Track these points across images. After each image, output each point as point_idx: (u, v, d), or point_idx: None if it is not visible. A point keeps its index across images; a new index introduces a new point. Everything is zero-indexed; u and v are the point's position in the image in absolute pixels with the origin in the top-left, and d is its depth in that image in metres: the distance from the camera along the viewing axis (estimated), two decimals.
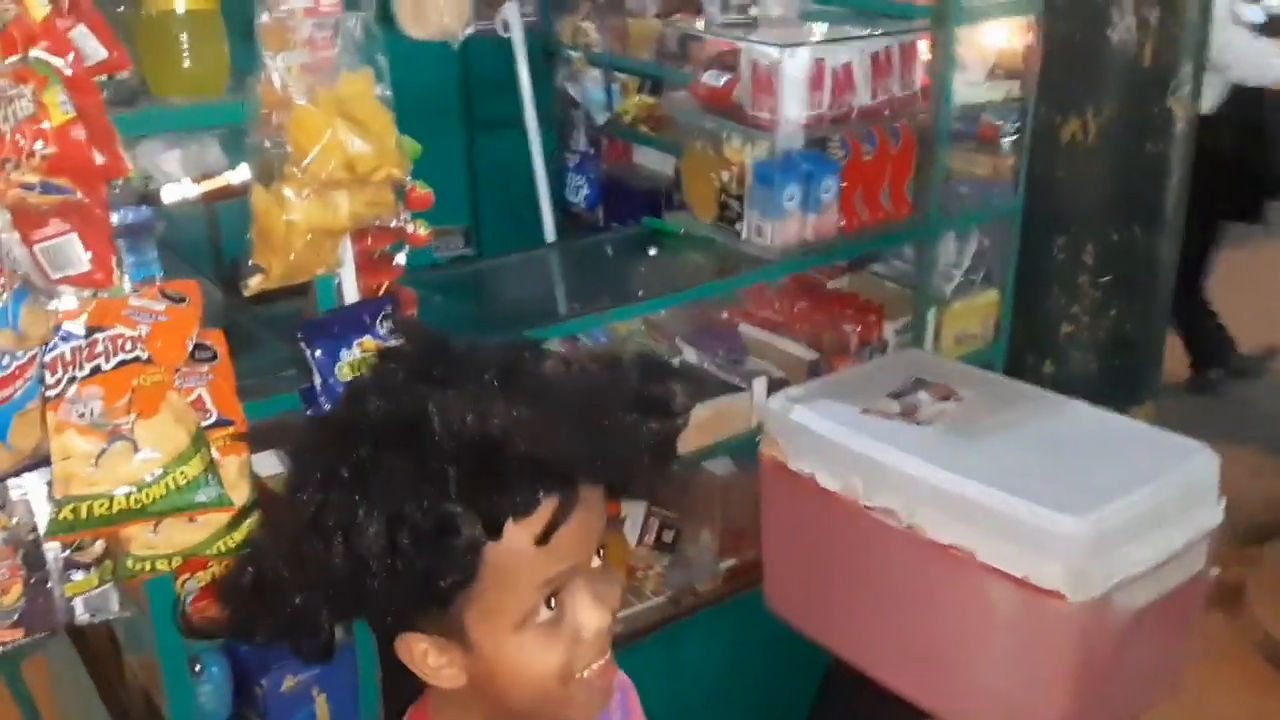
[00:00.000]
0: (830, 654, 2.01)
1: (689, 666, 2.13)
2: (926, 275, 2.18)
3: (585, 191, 2.98)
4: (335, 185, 1.31)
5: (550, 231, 2.65)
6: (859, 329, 2.19)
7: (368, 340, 1.49)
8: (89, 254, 1.18)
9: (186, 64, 1.31)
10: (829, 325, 2.21)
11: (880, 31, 1.98)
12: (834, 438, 1.83)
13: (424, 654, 0.96)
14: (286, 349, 1.51)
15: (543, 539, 0.90)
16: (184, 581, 1.46)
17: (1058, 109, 1.86)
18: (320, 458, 0.93)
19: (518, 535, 0.90)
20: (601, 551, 0.98)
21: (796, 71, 1.87)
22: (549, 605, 0.93)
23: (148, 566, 1.35)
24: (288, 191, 1.29)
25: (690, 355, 2.15)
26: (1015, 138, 2.18)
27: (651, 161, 3.05)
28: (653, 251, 2.12)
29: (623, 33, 2.98)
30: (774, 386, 2.04)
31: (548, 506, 0.90)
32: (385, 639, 0.99)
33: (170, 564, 1.36)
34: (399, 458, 0.89)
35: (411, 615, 0.95)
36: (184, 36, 1.30)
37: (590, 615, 0.94)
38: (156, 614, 1.46)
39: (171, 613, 1.47)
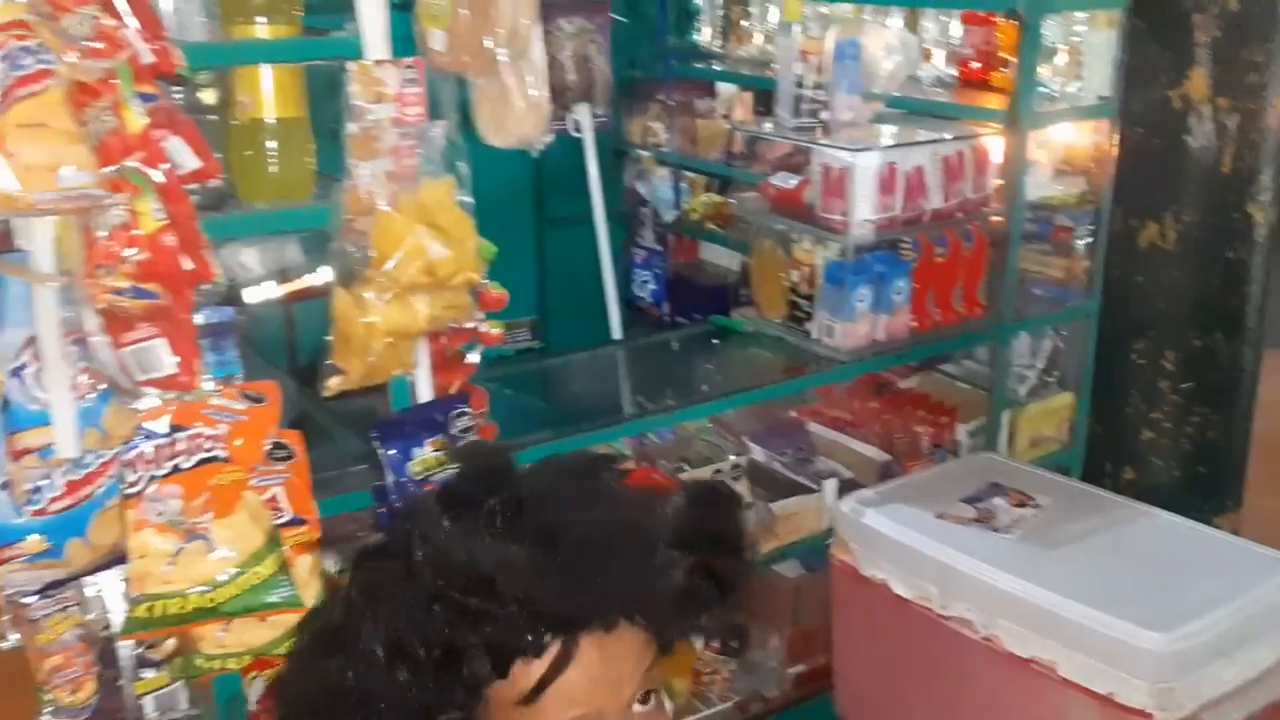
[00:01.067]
0: None
1: None
2: (1001, 376, 2.15)
3: (652, 287, 3.01)
4: (415, 289, 1.33)
5: (616, 327, 2.67)
6: (931, 430, 2.16)
7: (439, 439, 1.49)
8: (175, 357, 1.21)
9: (274, 170, 1.35)
10: (900, 426, 2.18)
11: (951, 136, 1.99)
12: (908, 543, 1.79)
13: None
14: (359, 444, 1.52)
15: (534, 691, 0.87)
16: (251, 680, 1.46)
17: (1136, 214, 1.84)
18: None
19: (522, 679, 0.87)
20: (652, 696, 0.93)
21: (868, 174, 1.88)
22: None
23: (218, 665, 1.35)
24: (369, 295, 1.31)
25: (759, 454, 2.14)
26: (1090, 240, 2.16)
27: (718, 258, 3.08)
28: (718, 346, 2.12)
29: (691, 133, 3.03)
30: (845, 488, 2.01)
31: (550, 653, 0.87)
32: None
33: (240, 662, 1.35)
34: (408, 591, 0.88)
35: None
36: (272, 144, 1.34)
37: None
38: (223, 712, 1.46)
39: (237, 711, 1.46)
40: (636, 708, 0.91)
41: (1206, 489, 1.90)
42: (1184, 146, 1.75)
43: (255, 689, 1.46)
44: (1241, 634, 1.59)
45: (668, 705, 0.97)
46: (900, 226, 1.96)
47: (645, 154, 3.01)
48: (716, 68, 3.08)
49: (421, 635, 0.87)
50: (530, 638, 0.88)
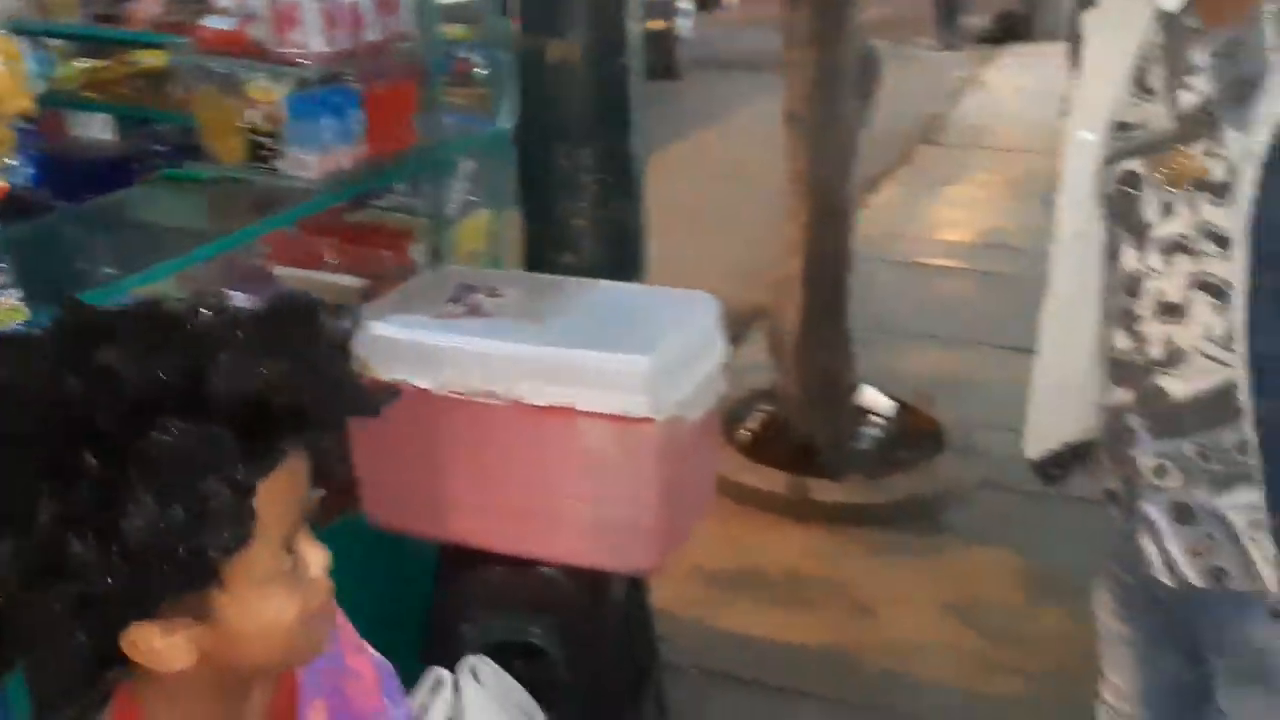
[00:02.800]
0: (440, 544, 2.19)
1: None
2: (439, 201, 2.39)
3: (28, 171, 2.73)
4: None
5: None
6: (391, 254, 2.35)
7: None
8: None
9: None
10: (363, 255, 2.34)
11: None
12: (422, 340, 1.99)
13: (149, 640, 0.91)
14: None
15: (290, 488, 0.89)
16: None
17: (542, 35, 2.16)
18: (37, 450, 0.84)
19: (273, 486, 0.89)
20: None
21: (314, 7, 1.97)
22: (288, 545, 0.94)
23: None
24: None
25: (242, 302, 2.16)
26: (489, 72, 2.47)
27: (91, 130, 2.87)
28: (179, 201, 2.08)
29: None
30: None
31: (294, 456, 0.91)
32: (104, 643, 0.89)
33: None
34: (170, 428, 0.84)
35: (157, 603, 0.89)
36: None
37: (315, 553, 0.97)
38: None
39: None
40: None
41: (625, 261, 2.35)
42: None
43: None
44: (692, 352, 2.06)
45: None
46: (348, 58, 2.08)
47: None
48: None
49: (201, 468, 0.85)
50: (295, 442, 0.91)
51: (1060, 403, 1.66)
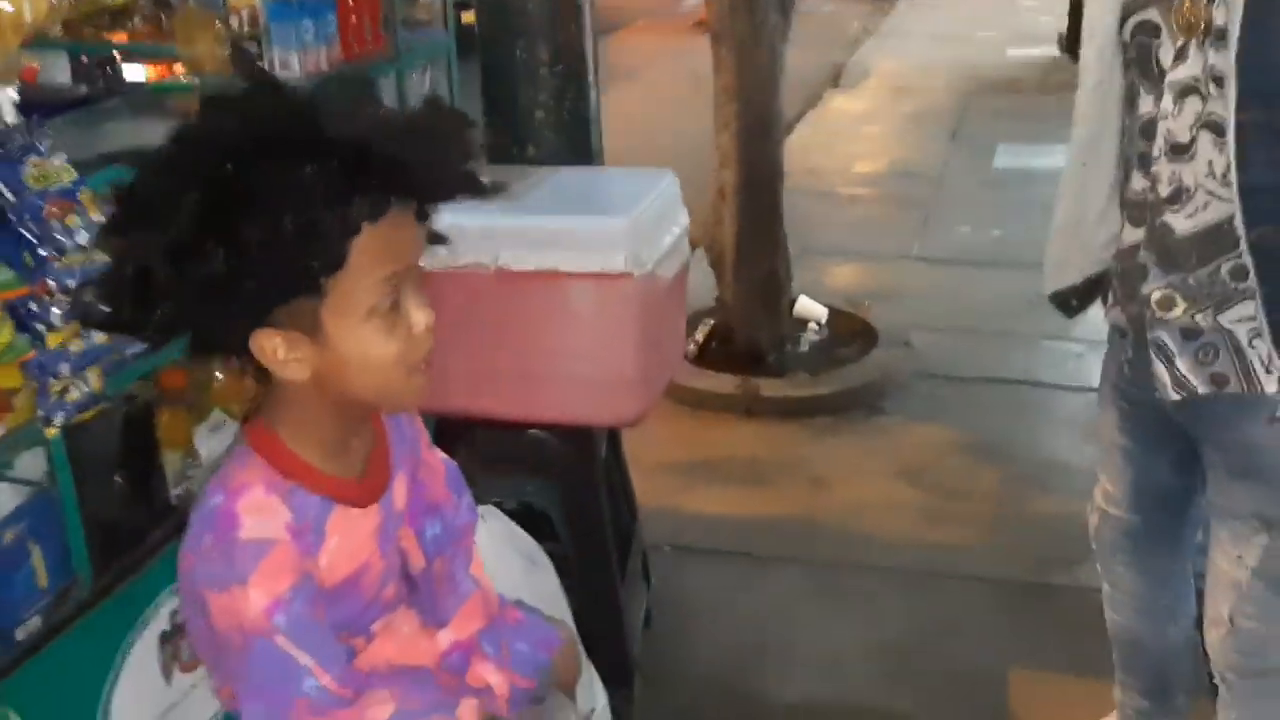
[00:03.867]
0: (435, 416, 2.34)
1: None
2: (402, 102, 2.53)
3: None
4: None
5: None
6: None
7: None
8: None
9: None
10: None
11: None
12: None
13: (275, 349, 1.13)
14: None
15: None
16: None
17: None
18: (196, 163, 1.06)
19: (375, 233, 1.09)
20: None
21: None
22: (390, 305, 1.14)
23: None
24: None
25: None
26: None
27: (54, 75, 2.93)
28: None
29: None
30: None
31: (398, 208, 1.11)
32: (238, 340, 1.14)
33: None
34: (283, 159, 1.04)
35: (274, 309, 1.11)
36: None
37: (420, 313, 1.17)
38: None
39: None
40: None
41: (583, 150, 2.53)
42: None
43: None
44: (661, 215, 2.25)
45: None
46: None
47: None
48: None
49: (313, 196, 1.04)
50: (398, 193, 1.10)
51: (1078, 240, 1.77)
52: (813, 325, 4.08)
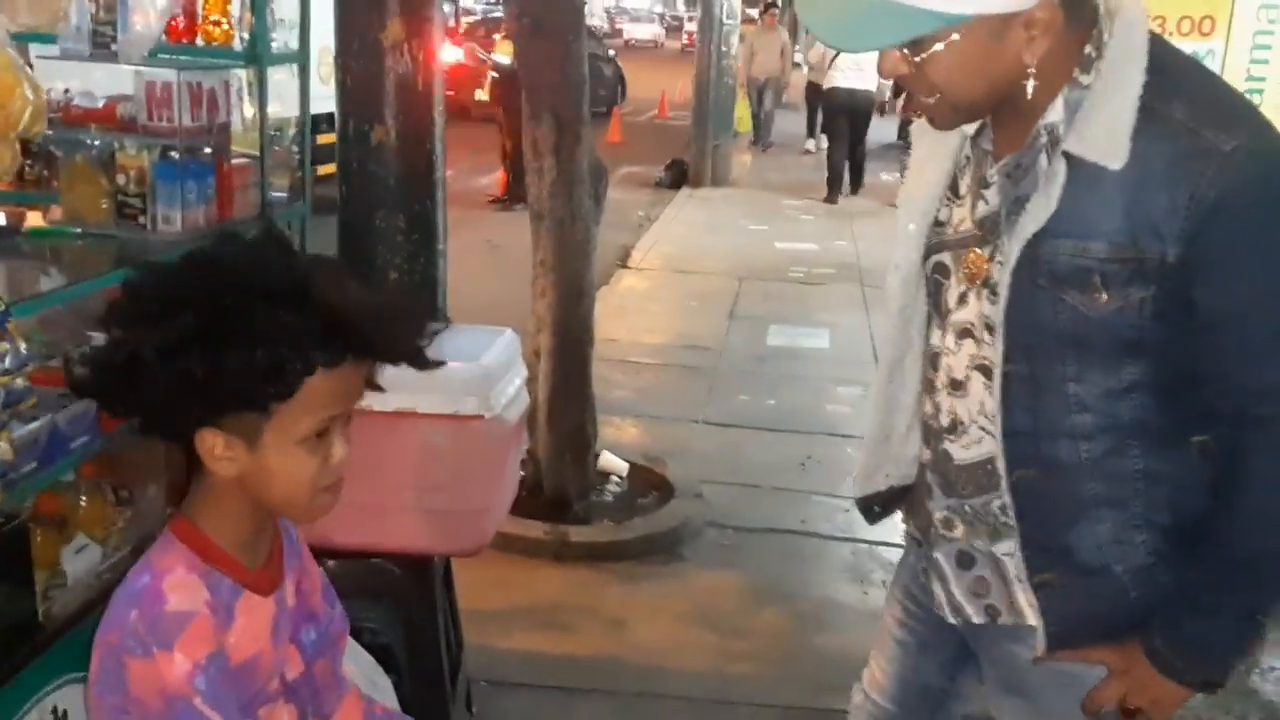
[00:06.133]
0: None
1: None
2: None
3: None
4: None
5: None
6: None
7: None
8: None
9: None
10: None
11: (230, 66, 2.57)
12: None
13: (215, 446, 1.35)
14: None
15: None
16: None
17: (366, 121, 2.65)
18: (200, 289, 1.31)
19: (328, 378, 1.34)
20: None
21: (183, 89, 2.38)
22: (319, 435, 1.38)
23: None
24: None
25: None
26: (299, 157, 2.92)
27: None
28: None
29: None
30: None
31: (351, 363, 1.37)
32: (187, 430, 1.36)
33: None
34: (279, 309, 1.29)
35: (226, 414, 1.34)
36: None
37: (339, 447, 1.41)
38: None
39: None
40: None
41: (431, 307, 2.82)
42: (393, 72, 2.63)
43: None
44: (506, 366, 2.55)
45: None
46: (205, 133, 2.48)
47: None
48: None
49: (290, 337, 1.29)
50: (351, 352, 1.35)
51: (889, 452, 1.78)
52: (614, 478, 4.42)
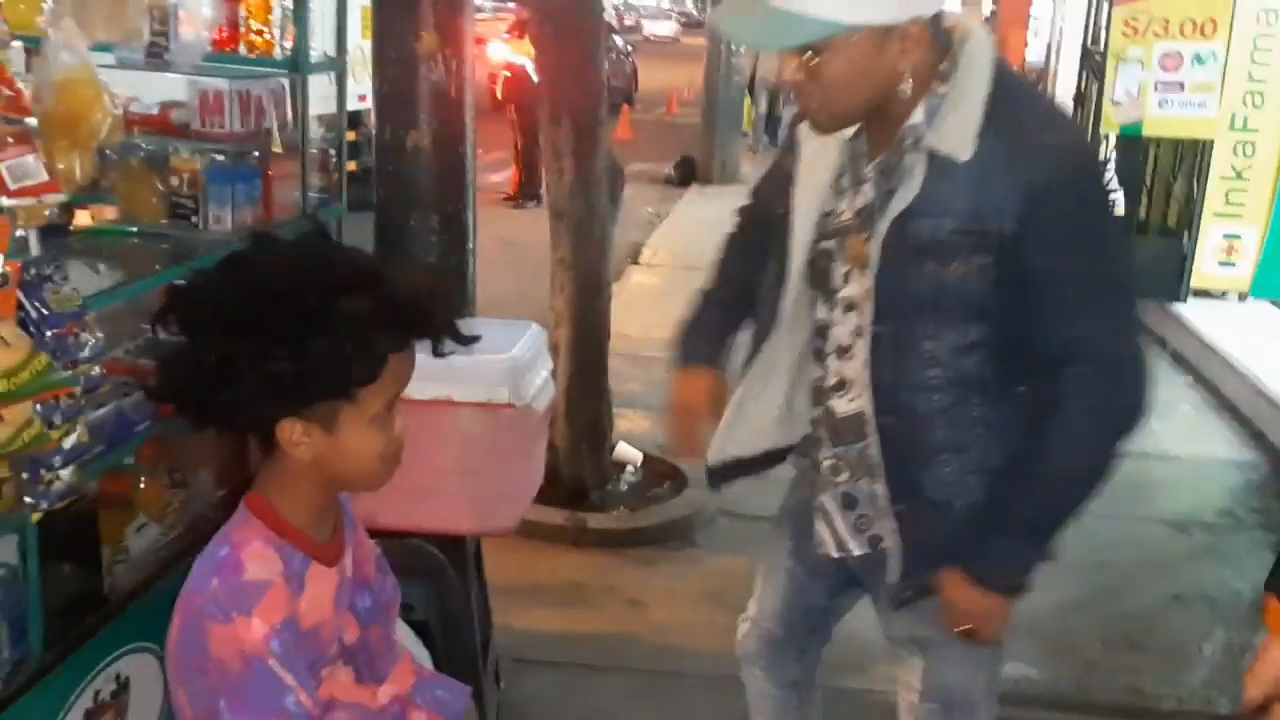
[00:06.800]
0: None
1: None
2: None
3: None
4: None
5: None
6: None
7: None
8: None
9: None
10: None
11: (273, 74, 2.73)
12: None
13: (294, 432, 1.48)
14: None
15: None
16: None
17: (401, 126, 2.81)
18: (286, 289, 1.43)
19: (400, 358, 1.50)
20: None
21: (234, 97, 2.53)
22: (388, 410, 1.54)
23: None
24: None
25: None
26: (335, 160, 3.07)
27: None
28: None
29: None
30: None
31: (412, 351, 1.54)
32: (267, 424, 1.49)
33: None
34: (357, 299, 1.43)
35: (314, 405, 1.47)
36: None
37: (399, 420, 1.58)
38: None
39: None
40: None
41: (460, 298, 2.98)
42: (427, 80, 2.79)
43: None
44: (534, 357, 2.71)
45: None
46: (253, 138, 2.63)
47: None
48: None
49: (371, 329, 1.42)
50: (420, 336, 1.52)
51: (743, 423, 2.05)
52: (630, 468, 4.58)
